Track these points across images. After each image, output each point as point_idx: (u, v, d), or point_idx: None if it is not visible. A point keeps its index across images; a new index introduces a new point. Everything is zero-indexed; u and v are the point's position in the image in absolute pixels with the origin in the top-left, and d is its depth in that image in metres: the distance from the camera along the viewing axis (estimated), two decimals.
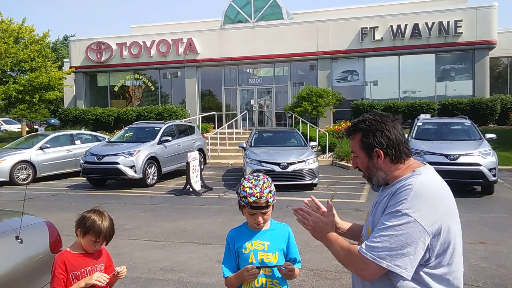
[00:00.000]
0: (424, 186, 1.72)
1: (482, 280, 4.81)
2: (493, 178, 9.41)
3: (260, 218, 2.29)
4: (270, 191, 2.26)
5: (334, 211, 2.03)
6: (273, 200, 2.29)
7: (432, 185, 1.74)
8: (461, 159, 9.50)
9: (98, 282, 2.40)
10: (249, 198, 2.23)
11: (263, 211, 2.27)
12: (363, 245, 1.73)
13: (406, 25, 19.91)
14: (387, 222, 1.69)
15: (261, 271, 2.25)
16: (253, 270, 2.19)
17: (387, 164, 1.84)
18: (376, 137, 1.83)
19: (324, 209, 2.05)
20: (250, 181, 2.27)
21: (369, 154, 1.86)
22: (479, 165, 9.36)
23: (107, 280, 2.46)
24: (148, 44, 23.02)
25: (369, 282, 1.81)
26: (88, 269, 2.48)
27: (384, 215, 1.74)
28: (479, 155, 9.54)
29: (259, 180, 2.27)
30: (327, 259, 5.39)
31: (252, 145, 12.41)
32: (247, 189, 2.24)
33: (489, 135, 10.81)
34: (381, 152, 1.83)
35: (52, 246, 3.30)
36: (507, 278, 4.89)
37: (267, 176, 2.34)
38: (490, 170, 9.33)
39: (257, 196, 2.22)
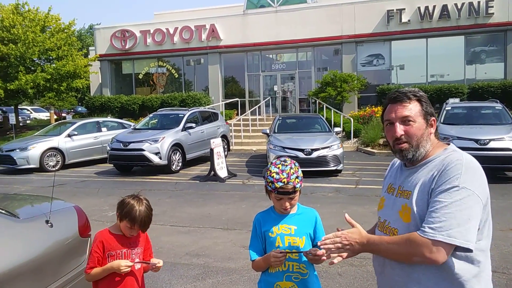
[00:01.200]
0: (470, 161, 1.74)
1: None
2: None
3: (287, 204, 2.28)
4: (297, 177, 2.23)
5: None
6: (300, 186, 2.26)
7: (474, 160, 1.77)
8: (492, 144, 9.21)
9: (119, 271, 2.46)
10: (276, 184, 2.21)
11: (290, 196, 2.25)
12: (424, 229, 1.65)
13: (434, 7, 19.25)
14: (446, 200, 1.65)
15: (287, 255, 2.24)
16: (279, 254, 2.19)
17: (433, 137, 1.86)
18: (432, 108, 1.88)
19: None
20: (277, 166, 2.25)
21: (427, 122, 1.84)
22: (510, 150, 9.08)
23: (128, 270, 2.49)
24: (171, 31, 23.09)
25: (407, 265, 1.76)
26: (124, 251, 2.52)
27: (439, 193, 1.68)
28: (511, 140, 9.24)
29: (286, 166, 2.24)
30: None
31: (276, 131, 12.35)
32: (274, 174, 2.22)
33: None
34: (435, 123, 1.87)
35: (81, 230, 3.36)
36: None
37: (294, 161, 2.31)
38: None
39: (284, 182, 2.20)
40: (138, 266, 2.55)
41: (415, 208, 1.75)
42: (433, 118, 1.87)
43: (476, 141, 9.28)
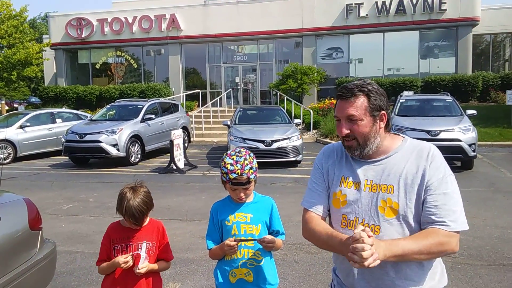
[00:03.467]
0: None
1: (459, 251, 4.93)
2: (473, 154, 9.60)
3: (242, 194, 2.32)
4: (251, 168, 2.26)
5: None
6: (254, 176, 2.29)
7: None
8: (442, 135, 9.64)
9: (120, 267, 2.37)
10: (230, 175, 2.24)
11: (245, 186, 2.29)
12: (446, 223, 1.65)
13: (391, 2, 19.81)
14: (447, 190, 1.72)
15: (243, 243, 2.28)
16: (233, 243, 2.23)
17: (383, 131, 1.81)
18: (382, 101, 1.79)
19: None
20: (232, 157, 2.27)
21: (374, 118, 1.78)
22: (459, 140, 9.52)
23: (127, 265, 2.36)
24: (130, 20, 22.50)
25: (399, 263, 1.71)
26: (129, 246, 2.43)
27: (436, 184, 1.71)
28: (460, 131, 9.70)
29: (241, 157, 2.27)
30: None
31: (237, 122, 12.38)
32: (228, 165, 2.25)
33: (469, 111, 10.97)
34: (385, 116, 1.81)
35: (31, 223, 3.26)
36: (482, 249, 5.05)
37: (249, 152, 2.33)
38: (470, 145, 9.51)
39: (238, 173, 2.23)
40: (142, 262, 2.38)
41: (403, 202, 1.72)
42: (383, 112, 1.79)
43: (428, 132, 9.69)
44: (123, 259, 2.35)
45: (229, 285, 2.35)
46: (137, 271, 2.36)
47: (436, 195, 1.68)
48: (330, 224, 1.92)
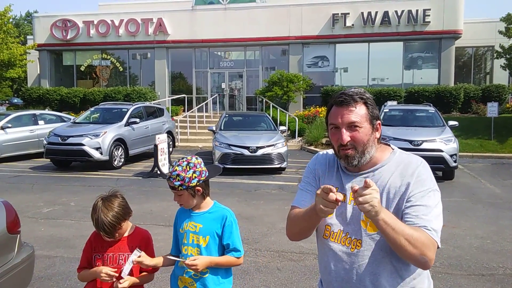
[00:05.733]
0: (426, 163, 1.77)
1: (439, 260, 5.00)
2: (454, 164, 9.76)
3: (176, 199, 2.30)
4: (178, 175, 2.20)
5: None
6: (180, 184, 2.21)
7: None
8: (424, 145, 9.78)
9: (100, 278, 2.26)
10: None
11: (177, 192, 2.26)
12: (430, 230, 1.60)
13: (376, 13, 20.09)
14: (429, 203, 1.64)
15: (189, 251, 2.30)
16: (170, 257, 2.30)
17: (377, 142, 1.78)
18: (377, 110, 1.77)
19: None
20: (178, 161, 2.29)
21: (373, 127, 1.74)
22: (441, 151, 9.68)
23: (106, 279, 2.25)
24: (117, 23, 22.34)
25: (376, 275, 1.70)
26: (110, 256, 2.34)
27: (418, 196, 1.65)
28: (442, 142, 9.86)
29: (179, 161, 2.27)
30: (292, 241, 5.48)
31: (222, 128, 12.36)
32: (170, 167, 2.31)
33: (451, 122, 11.18)
34: (380, 126, 1.78)
35: (9, 227, 3.19)
36: (462, 258, 5.11)
37: (190, 161, 2.25)
38: (451, 156, 9.67)
39: (168, 175, 2.27)
40: (125, 273, 2.26)
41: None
42: (379, 122, 1.77)
43: (411, 142, 9.82)
44: (107, 271, 2.23)
45: None
46: (118, 285, 2.21)
47: (417, 206, 1.63)
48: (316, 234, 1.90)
